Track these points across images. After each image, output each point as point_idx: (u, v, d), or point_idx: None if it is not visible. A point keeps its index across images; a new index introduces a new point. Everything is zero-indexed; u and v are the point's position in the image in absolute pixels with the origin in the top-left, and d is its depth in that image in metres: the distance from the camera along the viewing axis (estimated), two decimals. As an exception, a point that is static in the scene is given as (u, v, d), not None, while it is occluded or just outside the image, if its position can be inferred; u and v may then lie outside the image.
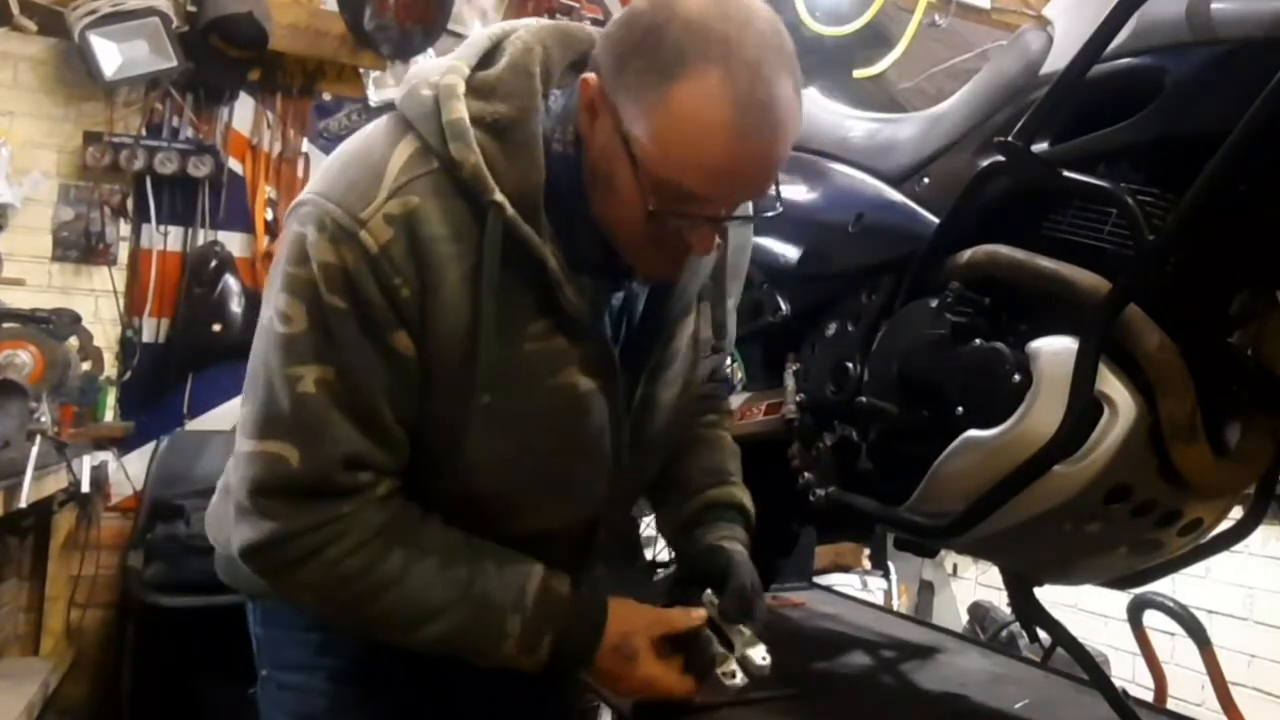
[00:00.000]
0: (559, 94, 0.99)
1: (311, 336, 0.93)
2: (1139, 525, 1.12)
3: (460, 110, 0.94)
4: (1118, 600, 2.63)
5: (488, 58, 0.99)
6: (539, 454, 1.04)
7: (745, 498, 1.25)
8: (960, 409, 1.15)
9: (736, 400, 1.66)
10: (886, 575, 3.90)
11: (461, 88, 0.95)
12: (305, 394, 0.94)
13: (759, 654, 1.07)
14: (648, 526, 1.92)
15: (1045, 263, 1.10)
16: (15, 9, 3.08)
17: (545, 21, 1.04)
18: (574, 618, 1.04)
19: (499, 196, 0.92)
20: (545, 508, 1.10)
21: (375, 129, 1.00)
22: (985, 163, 1.19)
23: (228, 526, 1.16)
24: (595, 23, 3.72)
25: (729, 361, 1.77)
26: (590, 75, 0.93)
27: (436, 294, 0.93)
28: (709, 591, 1.11)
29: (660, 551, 1.95)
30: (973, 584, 4.26)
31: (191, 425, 3.32)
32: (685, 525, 1.23)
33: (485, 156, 0.93)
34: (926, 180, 1.34)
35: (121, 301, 3.26)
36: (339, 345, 0.93)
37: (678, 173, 0.89)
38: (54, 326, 2.76)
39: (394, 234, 0.91)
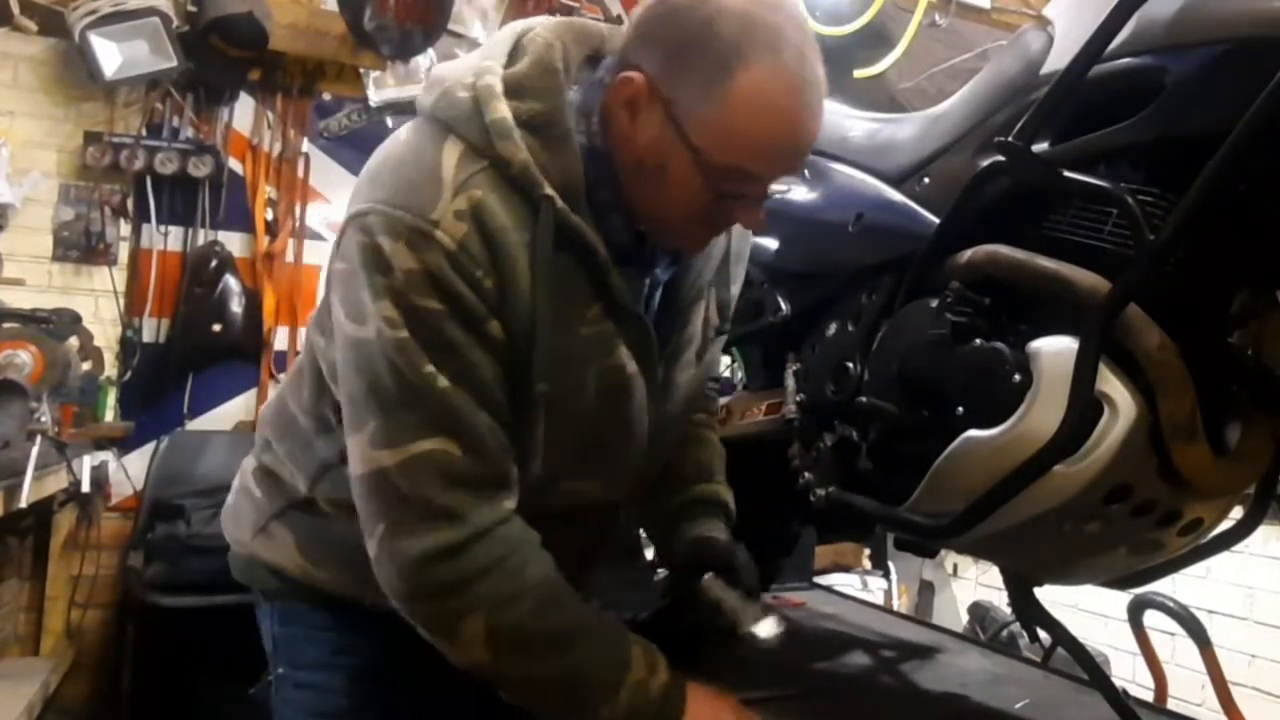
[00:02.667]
0: (578, 89, 1.02)
1: (420, 340, 0.94)
2: (1139, 525, 1.12)
3: (503, 110, 0.96)
4: (1118, 600, 2.63)
5: (511, 56, 1.01)
6: (589, 433, 1.07)
7: (729, 497, 1.32)
8: (960, 409, 1.15)
9: (736, 400, 1.66)
10: (886, 575, 3.90)
11: (499, 88, 0.97)
12: (445, 389, 0.94)
13: (771, 623, 1.15)
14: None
15: (1045, 263, 1.10)
16: (15, 9, 3.08)
17: (559, 19, 1.06)
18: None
19: (549, 190, 0.96)
20: (585, 485, 1.13)
21: (411, 135, 1.02)
22: (985, 163, 1.19)
23: (246, 522, 1.18)
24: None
25: (729, 361, 1.78)
26: (633, 74, 0.96)
27: (512, 281, 0.96)
28: (709, 575, 1.18)
29: (660, 551, 1.95)
30: (973, 584, 4.26)
31: (191, 425, 3.32)
32: (670, 517, 1.30)
33: (529, 152, 0.96)
34: (926, 180, 1.34)
35: (121, 301, 3.26)
36: (445, 347, 0.94)
37: (740, 156, 0.95)
38: (54, 326, 2.76)
39: (467, 228, 0.94)
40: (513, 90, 0.98)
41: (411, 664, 1.15)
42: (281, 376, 3.37)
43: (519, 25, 1.04)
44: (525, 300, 0.97)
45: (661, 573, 1.81)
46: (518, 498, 1.01)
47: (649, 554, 1.92)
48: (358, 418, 0.97)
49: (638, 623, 1.69)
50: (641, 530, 1.86)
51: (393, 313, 0.94)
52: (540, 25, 1.03)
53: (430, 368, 0.94)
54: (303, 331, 3.40)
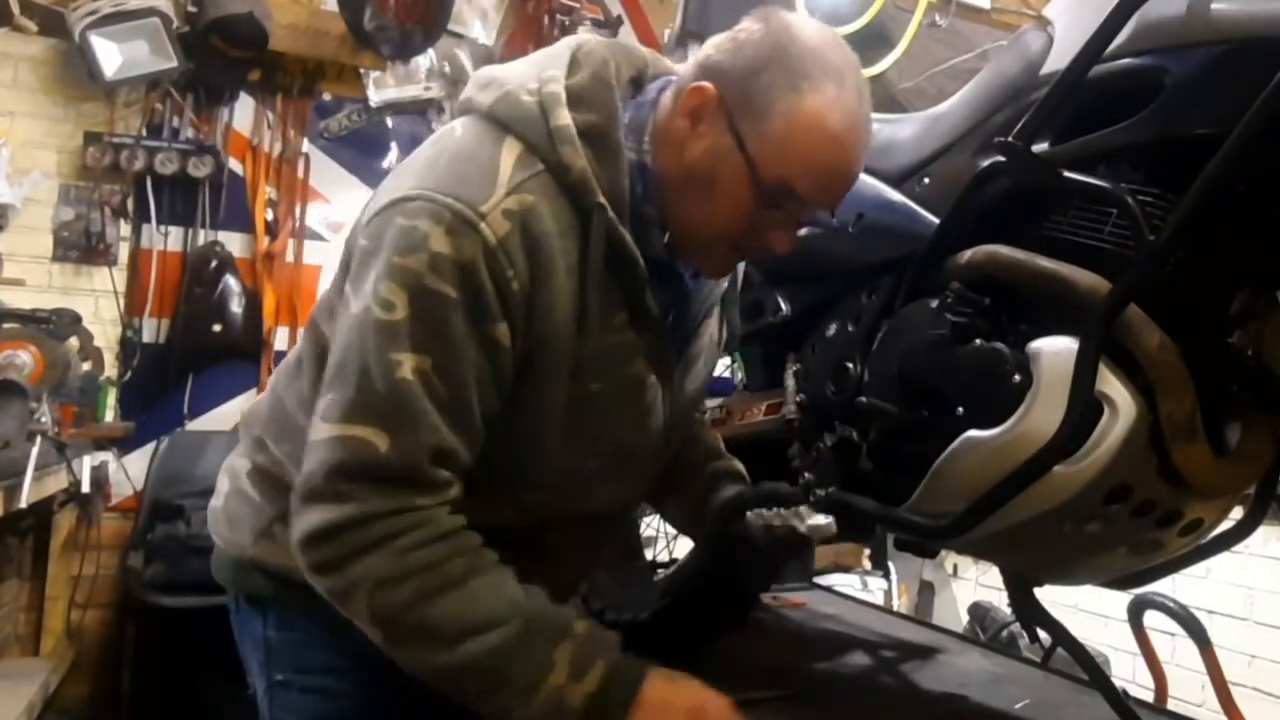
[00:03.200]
0: (626, 106, 1.06)
1: (414, 325, 0.95)
2: (1139, 525, 1.12)
3: (566, 118, 1.00)
4: (1118, 600, 2.64)
5: (569, 68, 1.05)
6: (611, 436, 1.10)
7: (739, 467, 1.41)
8: (960, 409, 1.15)
9: (736, 400, 1.66)
10: (886, 575, 3.90)
11: (564, 96, 1.02)
12: (403, 380, 0.95)
13: (822, 518, 1.24)
14: (648, 527, 1.92)
15: (1045, 263, 1.10)
16: (16, 9, 3.08)
17: (607, 38, 1.13)
18: (623, 648, 1.04)
19: (602, 199, 1.00)
20: (599, 492, 1.15)
21: (467, 131, 1.04)
22: (985, 163, 1.19)
23: (243, 526, 1.16)
24: (596, 23, 3.73)
25: (729, 362, 1.78)
26: (706, 84, 1.01)
27: (545, 287, 0.98)
28: (750, 514, 1.27)
29: (660, 552, 1.95)
30: (973, 584, 4.26)
31: (191, 425, 3.33)
32: (695, 500, 1.38)
33: (586, 161, 1.01)
34: (927, 180, 1.34)
35: (122, 302, 3.27)
36: (441, 335, 0.96)
37: (790, 173, 1.01)
38: (54, 327, 2.76)
39: (511, 228, 0.96)
40: (573, 100, 1.02)
41: None
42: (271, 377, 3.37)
43: (574, 40, 1.09)
44: (559, 305, 0.99)
45: (661, 573, 1.82)
46: (445, 496, 1.00)
47: (649, 554, 1.92)
48: (328, 385, 0.99)
49: (638, 623, 1.69)
50: (644, 529, 1.86)
51: (393, 294, 0.95)
52: (594, 41, 1.08)
53: (398, 355, 0.95)
54: (303, 332, 3.41)
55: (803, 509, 1.24)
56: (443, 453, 0.98)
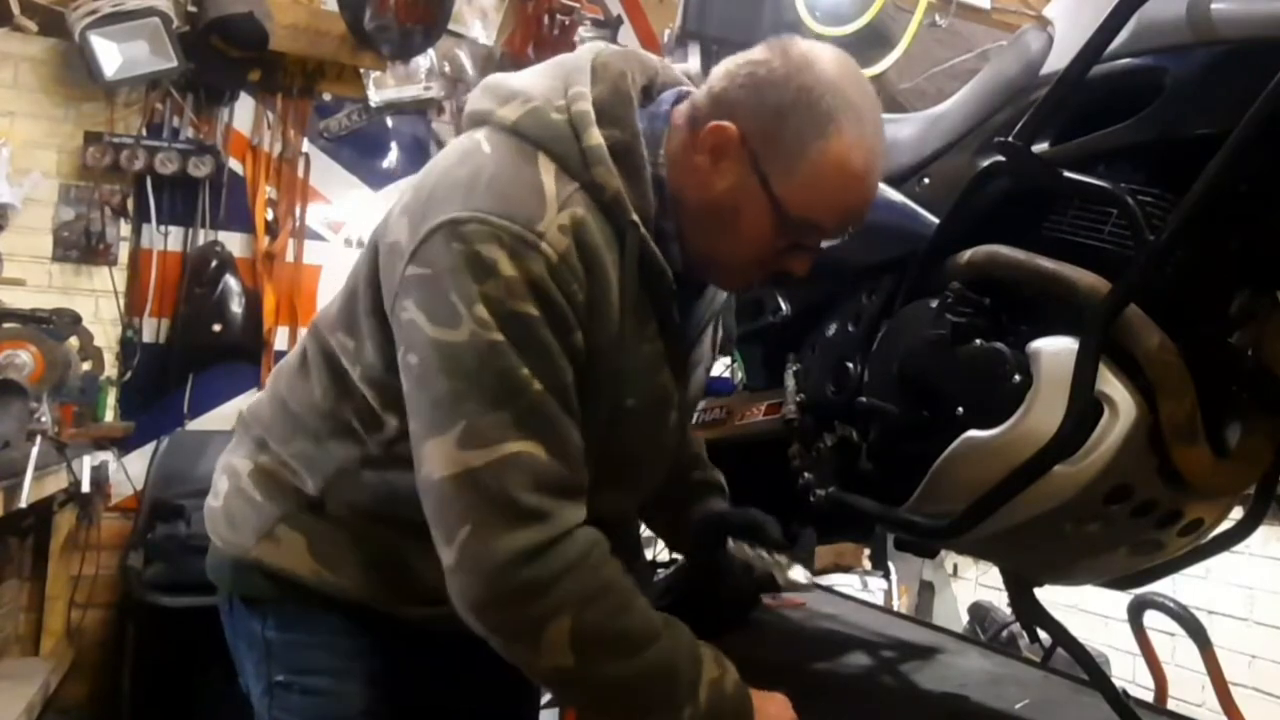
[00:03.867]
0: (641, 115, 1.07)
1: (514, 347, 0.95)
2: (1139, 525, 1.12)
3: (598, 137, 1.01)
4: (1118, 600, 2.63)
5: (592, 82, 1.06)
6: (634, 445, 1.12)
7: (721, 479, 1.44)
8: (960, 409, 1.15)
9: (736, 400, 1.66)
10: (886, 575, 3.90)
11: (593, 115, 1.02)
12: (538, 391, 0.96)
13: (801, 572, 1.27)
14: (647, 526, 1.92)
15: (1045, 263, 1.10)
16: (16, 9, 3.08)
17: (619, 47, 1.13)
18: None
19: (635, 217, 1.02)
20: (612, 496, 1.14)
21: (496, 148, 1.03)
22: (985, 163, 1.19)
23: (245, 526, 1.15)
24: (596, 23, 3.72)
25: (729, 362, 1.78)
26: (727, 124, 1.02)
27: (604, 297, 1.01)
28: (732, 542, 1.30)
29: (660, 551, 1.95)
30: (973, 584, 4.26)
31: (191, 425, 3.33)
32: (675, 505, 1.40)
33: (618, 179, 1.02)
34: (927, 180, 1.34)
35: (122, 301, 3.27)
36: (538, 352, 0.96)
37: (816, 211, 1.04)
38: (54, 326, 2.77)
39: (569, 243, 0.98)
40: (600, 117, 1.03)
41: (427, 669, 1.14)
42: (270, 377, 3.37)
43: (591, 50, 1.09)
44: (613, 317, 1.01)
45: (661, 573, 1.81)
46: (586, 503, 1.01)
47: (649, 554, 1.92)
48: (443, 420, 0.96)
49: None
50: (644, 528, 1.86)
51: (487, 316, 0.94)
52: (609, 51, 1.09)
53: (525, 370, 0.95)
54: (303, 332, 3.41)
55: (782, 558, 1.26)
56: (581, 455, 1.00)
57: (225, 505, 1.19)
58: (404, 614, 1.12)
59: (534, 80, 1.07)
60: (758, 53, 1.05)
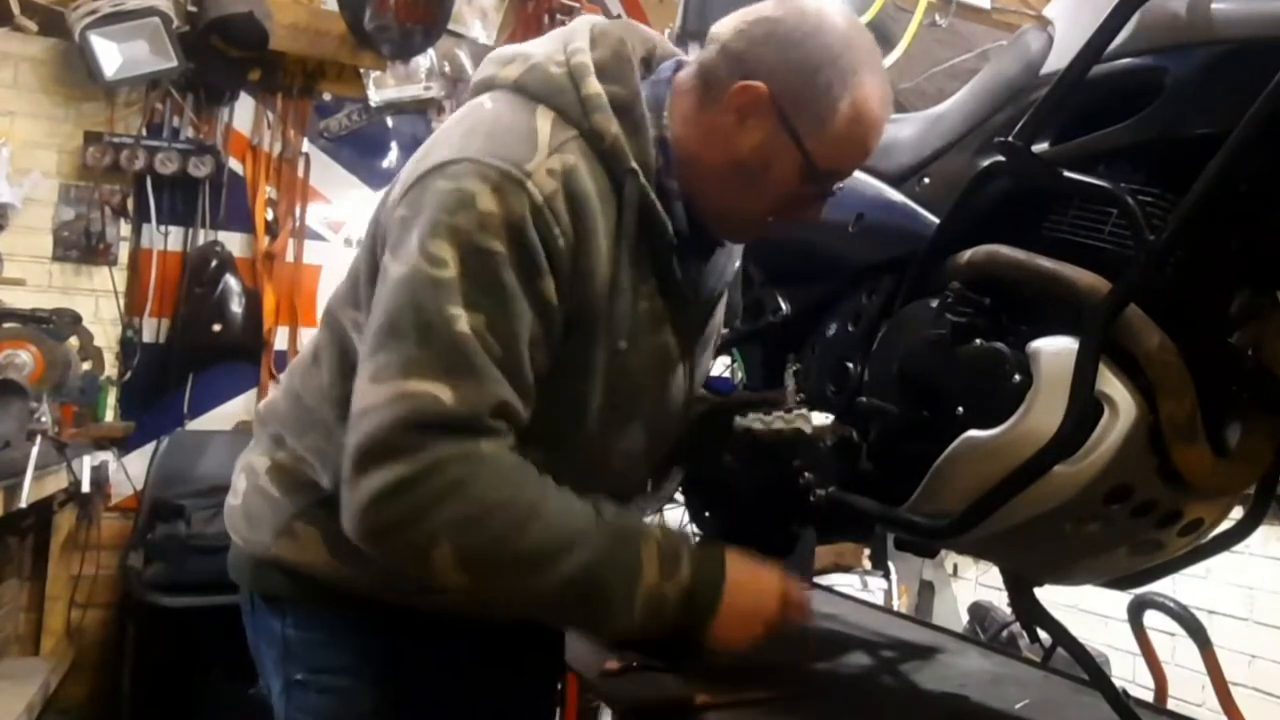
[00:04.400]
0: (643, 82, 1.10)
1: (466, 282, 0.95)
2: (1139, 525, 1.12)
3: (596, 87, 1.04)
4: (1118, 600, 2.63)
5: (590, 45, 1.09)
6: (636, 400, 1.12)
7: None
8: (960, 409, 1.15)
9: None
10: (886, 575, 3.90)
11: (593, 68, 1.05)
12: (461, 334, 0.95)
13: (821, 415, 1.26)
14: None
15: (1045, 263, 1.10)
16: (16, 9, 3.08)
17: (620, 20, 1.17)
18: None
19: (634, 165, 1.04)
20: (619, 463, 1.16)
21: (497, 103, 1.06)
22: (985, 163, 1.19)
23: (263, 524, 1.15)
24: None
25: (729, 361, 1.78)
26: (755, 83, 1.04)
27: (587, 246, 1.01)
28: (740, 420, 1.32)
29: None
30: (973, 584, 4.26)
31: (191, 425, 3.33)
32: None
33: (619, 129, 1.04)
34: (927, 180, 1.34)
35: (122, 301, 3.27)
36: (493, 292, 0.96)
37: (842, 160, 1.10)
38: (54, 326, 2.77)
39: (556, 187, 0.99)
40: (599, 72, 1.05)
41: (439, 669, 1.14)
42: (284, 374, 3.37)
43: (588, 19, 1.13)
44: (599, 266, 1.02)
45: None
46: (507, 443, 1.00)
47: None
48: (367, 354, 0.98)
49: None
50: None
51: (443, 251, 0.95)
52: (602, 21, 1.12)
53: (455, 310, 0.95)
54: (303, 331, 3.42)
55: (803, 409, 1.27)
56: (503, 406, 0.98)
57: (244, 503, 1.19)
58: (420, 605, 1.12)
59: (535, 44, 1.11)
60: (769, 9, 1.07)
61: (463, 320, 0.95)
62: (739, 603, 1.06)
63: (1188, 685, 2.95)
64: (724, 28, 1.09)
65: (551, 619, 1.03)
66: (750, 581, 1.09)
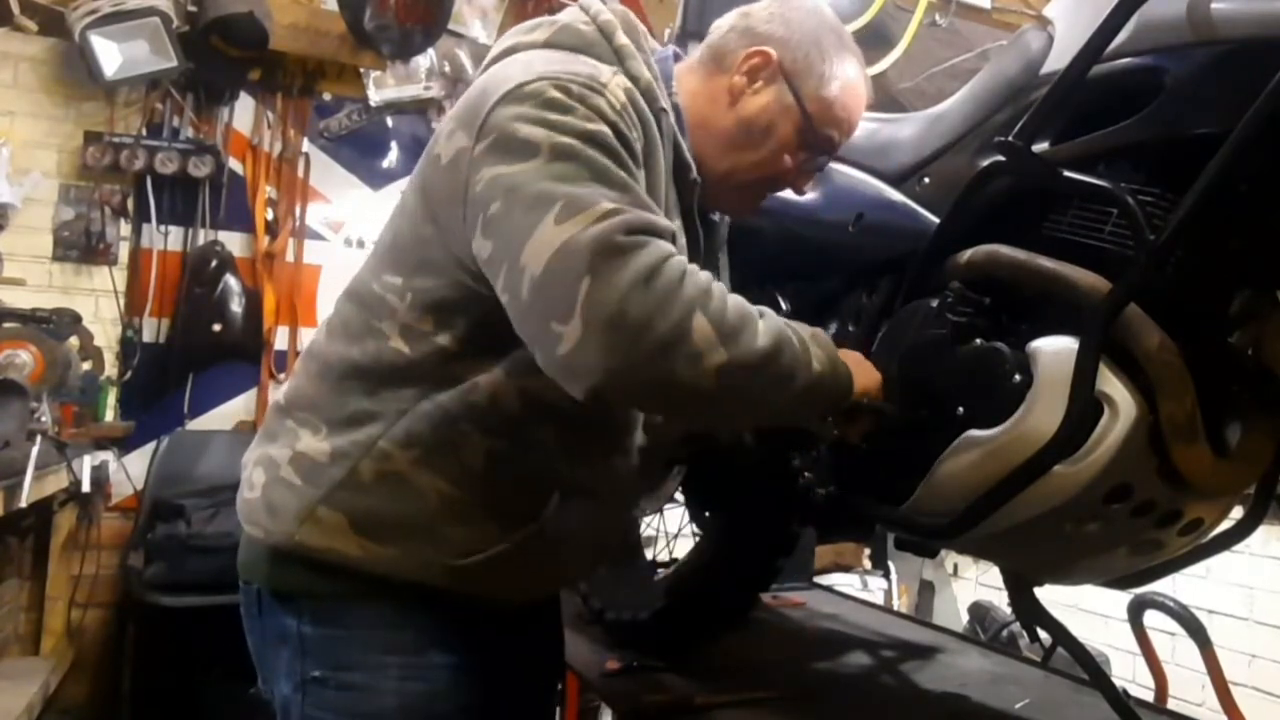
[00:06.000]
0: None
1: (594, 148, 0.99)
2: (1139, 525, 1.12)
3: (625, 39, 1.14)
4: (1118, 600, 2.63)
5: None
6: None
7: None
8: (961, 409, 1.15)
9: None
10: (886, 575, 3.90)
11: (619, 24, 1.14)
12: (625, 179, 1.00)
13: None
14: (648, 526, 1.92)
15: (1046, 263, 1.10)
16: (15, 9, 3.08)
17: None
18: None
19: (666, 105, 1.13)
20: (634, 429, 1.19)
21: (534, 57, 1.10)
22: (985, 163, 1.19)
23: (286, 512, 1.13)
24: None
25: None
26: (769, 49, 1.19)
27: (651, 158, 1.09)
28: None
29: (660, 552, 1.95)
30: (973, 584, 4.26)
31: (192, 425, 3.32)
32: None
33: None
34: (927, 180, 1.34)
35: (122, 301, 3.26)
36: (616, 156, 1.01)
37: (835, 124, 1.22)
38: (54, 326, 2.76)
39: (626, 99, 1.06)
40: (622, 30, 1.14)
41: (459, 664, 1.14)
42: (285, 375, 3.37)
43: (588, 1, 1.20)
44: (659, 179, 1.10)
45: (661, 573, 1.82)
46: None
47: (649, 554, 1.92)
48: (537, 218, 0.96)
49: (638, 623, 1.69)
50: (644, 529, 1.86)
51: (566, 136, 0.99)
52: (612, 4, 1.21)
53: (606, 161, 0.99)
54: (303, 331, 3.42)
55: None
56: (669, 229, 1.02)
57: (264, 495, 1.16)
58: (443, 582, 1.12)
59: (555, 15, 1.18)
60: (771, 3, 1.23)
61: (619, 171, 1.00)
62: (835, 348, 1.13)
63: (1188, 685, 2.95)
64: (729, 16, 1.24)
65: (776, 382, 1.03)
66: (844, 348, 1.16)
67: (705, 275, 1.00)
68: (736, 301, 1.01)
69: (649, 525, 1.91)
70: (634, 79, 1.10)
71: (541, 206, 0.96)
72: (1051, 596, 1.36)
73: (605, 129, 1.01)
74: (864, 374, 1.16)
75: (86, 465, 2.69)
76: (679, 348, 0.95)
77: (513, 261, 0.97)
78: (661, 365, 0.95)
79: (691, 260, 1.13)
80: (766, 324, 1.02)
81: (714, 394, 0.99)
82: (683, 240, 1.16)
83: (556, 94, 1.01)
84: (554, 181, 0.96)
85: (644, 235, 0.96)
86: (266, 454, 1.19)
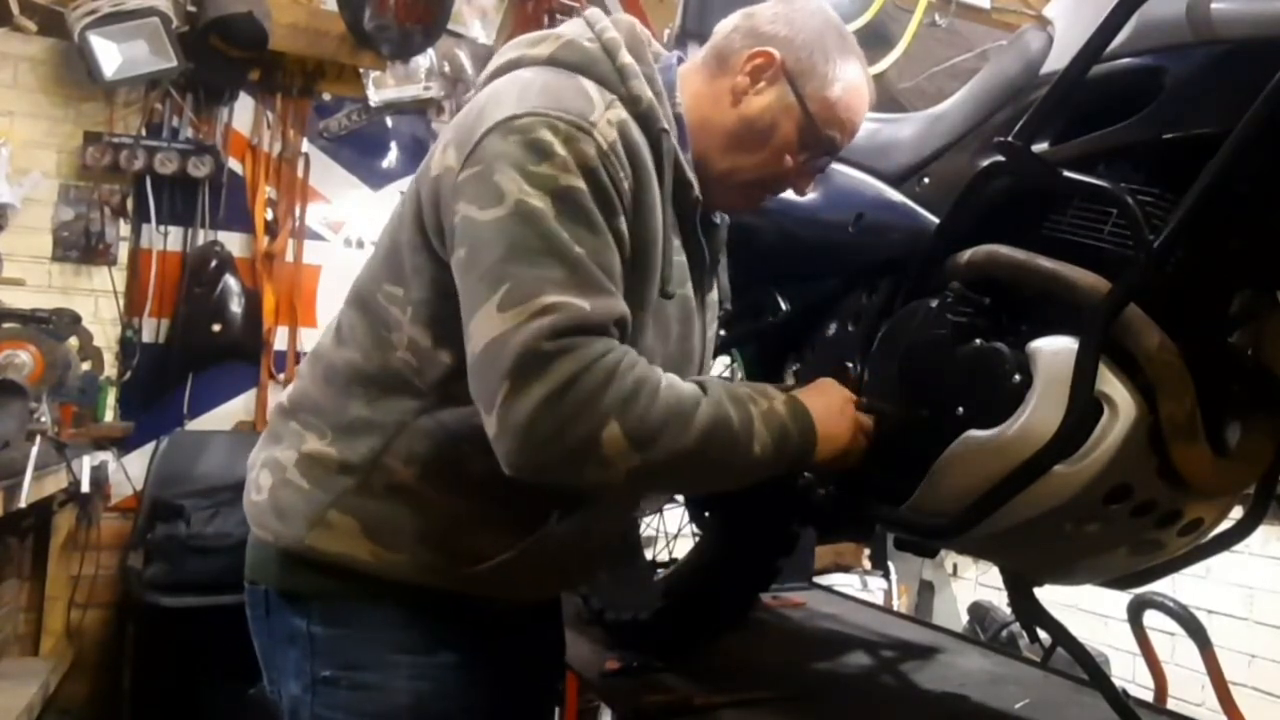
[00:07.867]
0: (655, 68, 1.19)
1: (562, 219, 1.00)
2: (1139, 525, 1.12)
3: (629, 58, 1.13)
4: (1118, 600, 2.64)
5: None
6: (668, 355, 1.17)
7: None
8: (961, 409, 1.15)
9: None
10: (886, 575, 3.90)
11: (623, 42, 1.15)
12: (580, 255, 1.00)
13: None
14: (648, 527, 1.92)
15: (1045, 263, 1.10)
16: (15, 9, 3.08)
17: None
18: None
19: (667, 126, 1.13)
20: None
21: (536, 74, 1.11)
22: (985, 163, 1.19)
23: (295, 516, 1.13)
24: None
25: (729, 361, 1.78)
26: (773, 50, 1.18)
27: (645, 193, 1.09)
28: None
29: (660, 552, 1.95)
30: (973, 584, 4.26)
31: (191, 425, 3.32)
32: None
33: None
34: (927, 180, 1.34)
35: (121, 301, 3.26)
36: (587, 223, 1.02)
37: (837, 125, 1.22)
38: (54, 326, 2.76)
39: (616, 136, 1.06)
40: (627, 47, 1.14)
41: (470, 662, 1.15)
42: (285, 376, 3.37)
43: (598, 11, 1.22)
44: (653, 212, 1.09)
45: (661, 573, 1.82)
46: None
47: (649, 554, 1.92)
48: (488, 289, 0.99)
49: (638, 623, 1.69)
50: (644, 529, 1.86)
51: (534, 189, 1.00)
52: (617, 14, 1.21)
53: (567, 235, 1.00)
54: (303, 331, 3.42)
55: None
56: (623, 320, 1.04)
57: (272, 498, 1.17)
58: (454, 587, 1.12)
59: (559, 28, 1.19)
60: (774, 4, 1.23)
61: (575, 246, 1.00)
62: (817, 402, 1.17)
63: (1188, 685, 2.95)
64: (733, 17, 1.23)
65: (703, 477, 1.10)
66: (813, 388, 1.21)
67: (636, 375, 1.01)
68: (669, 399, 1.02)
69: (649, 525, 1.91)
70: (635, 100, 1.11)
71: (490, 285, 0.99)
72: (1051, 596, 1.36)
73: (580, 184, 1.01)
74: (835, 427, 1.17)
75: (86, 465, 2.69)
76: (587, 456, 0.99)
77: (468, 319, 1.02)
78: (570, 469, 1.00)
79: (694, 275, 1.20)
80: (702, 414, 1.04)
81: (629, 490, 1.06)
82: (681, 259, 1.17)
83: (543, 135, 1.01)
84: (507, 252, 0.99)
85: (576, 337, 0.98)
86: (272, 456, 1.19)
